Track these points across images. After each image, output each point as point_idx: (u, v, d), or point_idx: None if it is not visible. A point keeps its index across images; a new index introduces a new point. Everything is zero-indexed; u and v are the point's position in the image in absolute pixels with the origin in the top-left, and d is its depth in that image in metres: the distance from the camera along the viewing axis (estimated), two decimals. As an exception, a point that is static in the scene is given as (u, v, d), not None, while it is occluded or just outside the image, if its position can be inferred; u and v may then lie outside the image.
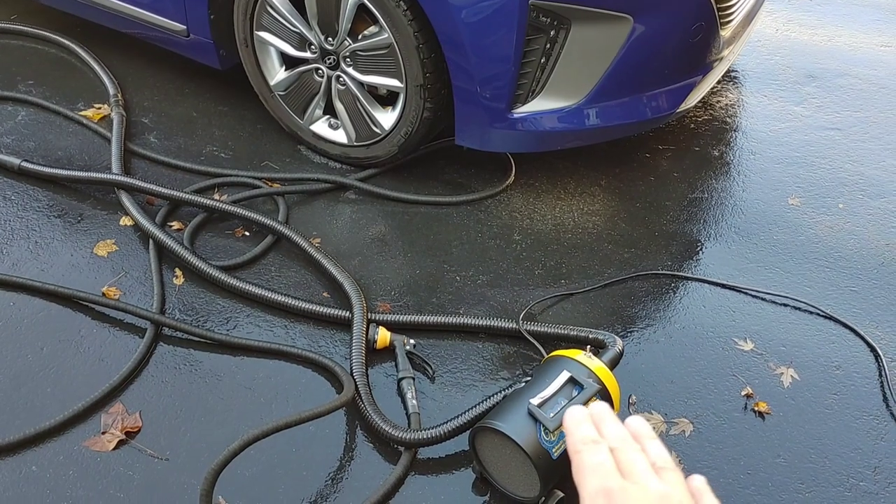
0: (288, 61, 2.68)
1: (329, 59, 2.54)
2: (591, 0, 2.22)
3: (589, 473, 0.68)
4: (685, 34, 2.41)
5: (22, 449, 1.84)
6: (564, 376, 1.73)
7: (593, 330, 2.06)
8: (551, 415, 1.66)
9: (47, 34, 3.23)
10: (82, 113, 2.88)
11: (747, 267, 2.44)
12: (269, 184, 2.64)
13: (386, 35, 2.37)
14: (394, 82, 2.47)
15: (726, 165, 2.85)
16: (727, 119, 3.08)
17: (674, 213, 2.63)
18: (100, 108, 2.90)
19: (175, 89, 3.05)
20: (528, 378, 1.80)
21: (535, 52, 2.30)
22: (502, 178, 2.72)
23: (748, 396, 2.04)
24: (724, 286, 2.36)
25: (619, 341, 1.97)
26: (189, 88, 3.06)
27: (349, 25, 2.43)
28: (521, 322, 2.14)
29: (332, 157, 2.78)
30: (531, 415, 1.66)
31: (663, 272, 2.40)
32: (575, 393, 1.72)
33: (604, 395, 1.75)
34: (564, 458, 1.67)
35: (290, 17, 2.52)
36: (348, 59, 2.51)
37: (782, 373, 2.10)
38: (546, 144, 2.56)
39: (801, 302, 2.31)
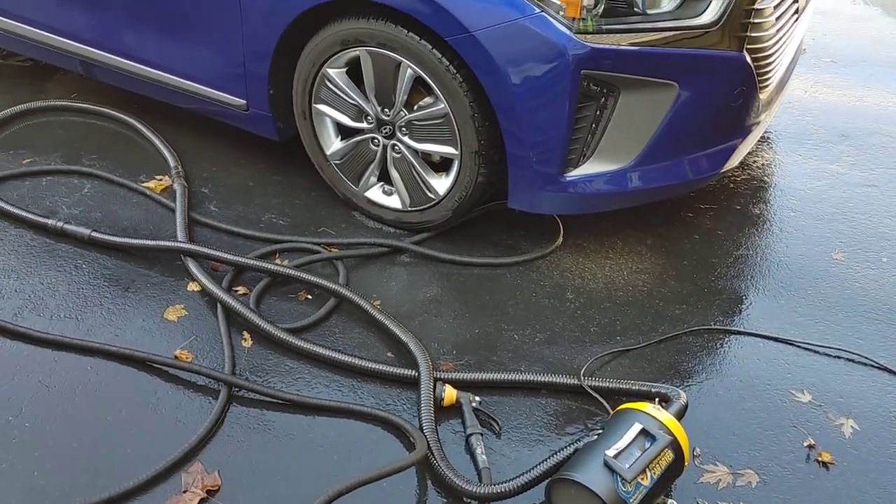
0: (344, 131, 2.80)
1: (385, 128, 2.67)
2: (640, 69, 2.34)
3: None
4: (727, 99, 2.52)
5: (107, 509, 1.90)
6: (637, 428, 1.78)
7: (655, 384, 2.11)
8: (627, 466, 1.71)
9: (107, 110, 3.38)
10: (145, 184, 3.00)
11: (797, 321, 2.50)
12: (328, 249, 2.74)
13: (442, 105, 2.49)
14: (449, 150, 2.58)
15: (768, 223, 2.93)
16: (765, 178, 3.17)
17: (721, 270, 2.71)
18: (161, 180, 3.03)
19: (231, 160, 3.18)
20: (599, 431, 1.86)
21: (586, 119, 2.41)
22: (551, 239, 2.81)
23: (810, 447, 2.07)
24: (777, 340, 2.41)
25: (683, 394, 2.02)
26: (244, 159, 3.19)
27: (406, 97, 2.56)
28: (582, 377, 2.20)
29: (386, 222, 2.88)
30: (608, 466, 1.71)
31: (716, 327, 2.46)
32: (647, 444, 1.77)
33: (675, 446, 1.80)
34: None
35: (348, 90, 2.65)
36: (404, 129, 2.63)
37: (842, 423, 2.14)
38: (595, 206, 2.66)
39: (854, 354, 2.36)
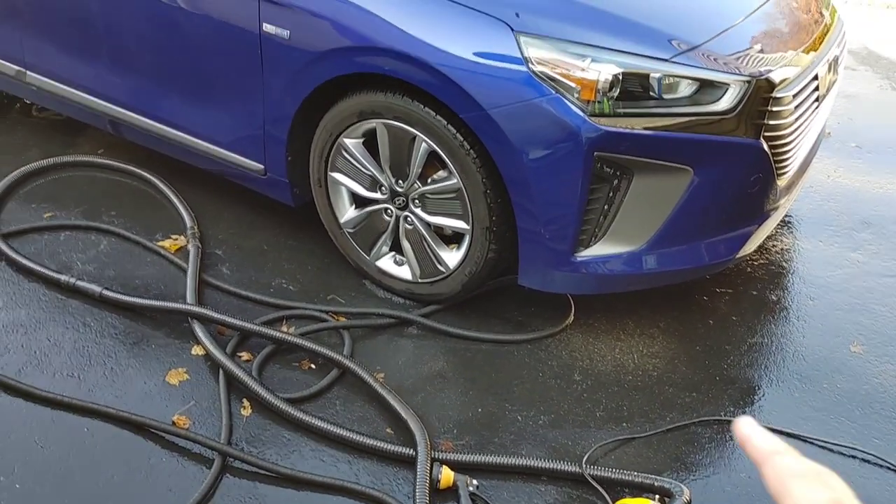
0: (358, 200, 2.81)
1: (398, 200, 2.67)
2: (654, 153, 2.33)
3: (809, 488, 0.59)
4: (743, 185, 2.50)
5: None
6: (636, 526, 1.72)
7: (658, 478, 2.05)
8: (622, 567, 1.64)
9: (130, 168, 3.43)
10: (160, 243, 3.03)
11: (811, 415, 2.42)
12: (336, 317, 2.72)
13: (455, 180, 2.49)
14: (461, 224, 2.57)
15: (785, 310, 2.87)
16: (783, 263, 3.12)
17: (734, 358, 2.64)
18: (177, 240, 3.05)
19: (248, 223, 3.21)
20: (597, 527, 1.79)
21: (599, 200, 2.39)
22: (562, 317, 2.77)
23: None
24: (789, 435, 2.33)
25: (686, 491, 1.95)
26: (260, 223, 3.21)
27: (420, 170, 2.57)
28: (584, 466, 2.13)
29: (396, 293, 2.86)
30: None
31: (726, 418, 2.39)
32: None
33: (674, 547, 1.73)
34: None
35: (363, 160, 2.67)
36: (417, 201, 2.63)
37: (855, 529, 2.04)
38: (607, 287, 2.62)
39: (869, 454, 2.28)
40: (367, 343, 2.65)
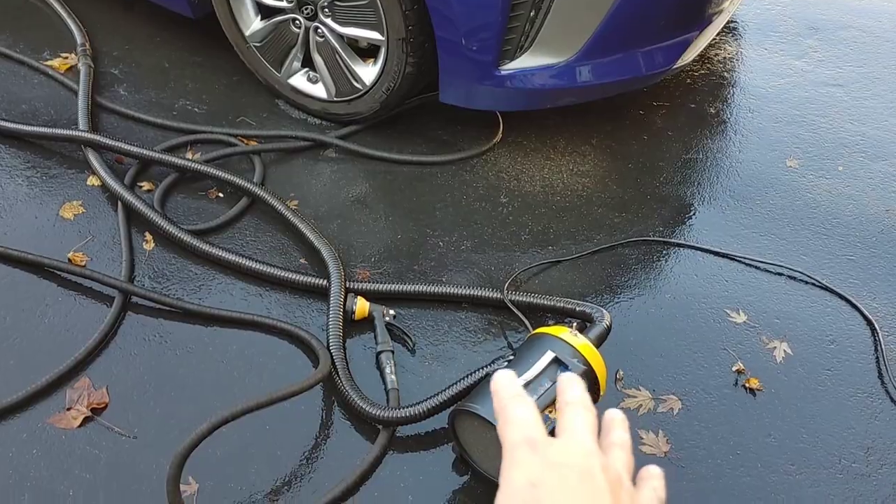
0: (263, 10, 2.53)
1: (306, 8, 2.40)
2: (585, -51, 2.08)
3: (513, 425, 0.61)
4: (683, -15, 2.28)
5: (-20, 426, 1.76)
6: (548, 357, 1.65)
7: (581, 302, 1.98)
8: (535, 398, 1.59)
9: (11, -24, 3.05)
10: (48, 63, 2.73)
11: (742, 233, 2.35)
12: (246, 141, 2.51)
13: (366, -16, 2.22)
14: (374, 35, 2.33)
15: (723, 124, 2.74)
16: (725, 74, 2.96)
17: (667, 175, 2.53)
18: (67, 58, 2.75)
19: (146, 38, 2.90)
20: (511, 358, 1.72)
21: (524, 5, 2.16)
22: (489, 136, 2.61)
23: (739, 372, 1.97)
24: (717, 254, 2.27)
25: (608, 315, 1.89)
26: (161, 37, 2.91)
27: (327, -27, 2.29)
28: (506, 292, 2.05)
29: (311, 113, 2.65)
30: (513, 398, 1.58)
31: (654, 239, 2.31)
32: (560, 374, 1.64)
33: (589, 375, 1.67)
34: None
35: (264, -37, 2.37)
36: (326, 10, 2.36)
37: (775, 347, 2.03)
38: (536, 102, 2.44)
39: (796, 271, 2.23)
40: (280, 168, 2.47)
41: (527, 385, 1.60)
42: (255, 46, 2.58)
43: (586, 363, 1.67)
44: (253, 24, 2.55)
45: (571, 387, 0.66)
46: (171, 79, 2.74)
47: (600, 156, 2.58)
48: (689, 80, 2.88)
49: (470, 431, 1.66)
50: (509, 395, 0.65)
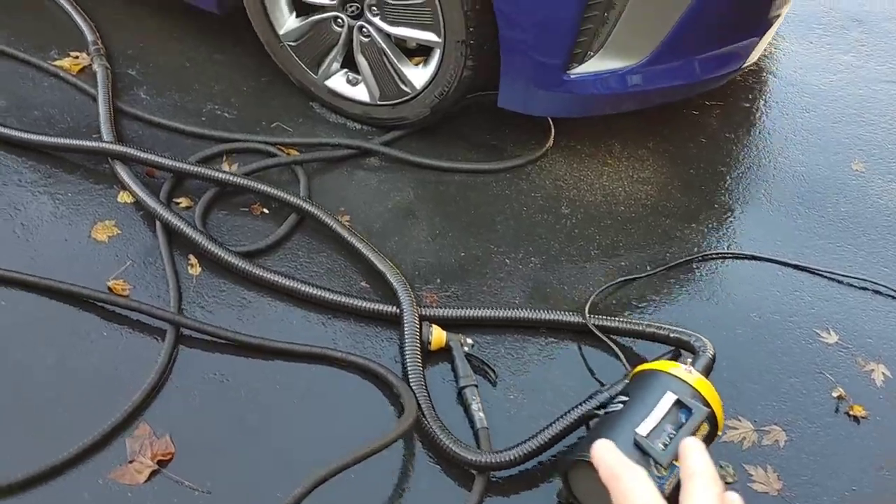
0: (300, 7, 2.33)
1: (351, 6, 2.22)
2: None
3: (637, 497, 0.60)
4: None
5: (34, 486, 1.57)
6: (670, 399, 1.52)
7: (674, 328, 1.85)
8: (660, 446, 1.46)
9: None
10: (57, 63, 2.50)
11: (817, 244, 2.25)
12: (285, 151, 2.33)
13: (424, -18, 2.05)
14: (429, 36, 2.16)
15: (780, 124, 2.62)
16: (774, 69, 2.84)
17: (731, 181, 2.41)
18: (77, 58, 2.52)
19: (162, 33, 2.68)
20: (624, 399, 1.59)
21: (598, 6, 2.01)
22: (540, 140, 2.46)
23: (840, 398, 1.87)
24: (797, 267, 2.16)
25: (709, 344, 1.76)
26: (177, 33, 2.68)
27: (379, -31, 2.11)
28: (587, 315, 1.92)
29: (350, 117, 2.47)
30: (639, 447, 1.46)
31: (730, 252, 2.20)
32: (683, 418, 1.52)
33: (712, 418, 1.55)
34: (675, 496, 1.48)
35: (307, -43, 2.17)
36: (374, 8, 2.18)
37: (873, 369, 1.93)
38: (598, 108, 2.30)
39: (881, 285, 2.13)
40: (322, 179, 2.30)
41: (649, 434, 1.47)
42: (289, 46, 2.39)
43: (707, 403, 1.55)
44: (287, 22, 2.36)
45: (696, 454, 0.64)
46: (194, 80, 2.53)
47: (659, 160, 2.46)
48: (739, 78, 2.76)
49: (589, 482, 1.53)
50: (619, 464, 0.63)
